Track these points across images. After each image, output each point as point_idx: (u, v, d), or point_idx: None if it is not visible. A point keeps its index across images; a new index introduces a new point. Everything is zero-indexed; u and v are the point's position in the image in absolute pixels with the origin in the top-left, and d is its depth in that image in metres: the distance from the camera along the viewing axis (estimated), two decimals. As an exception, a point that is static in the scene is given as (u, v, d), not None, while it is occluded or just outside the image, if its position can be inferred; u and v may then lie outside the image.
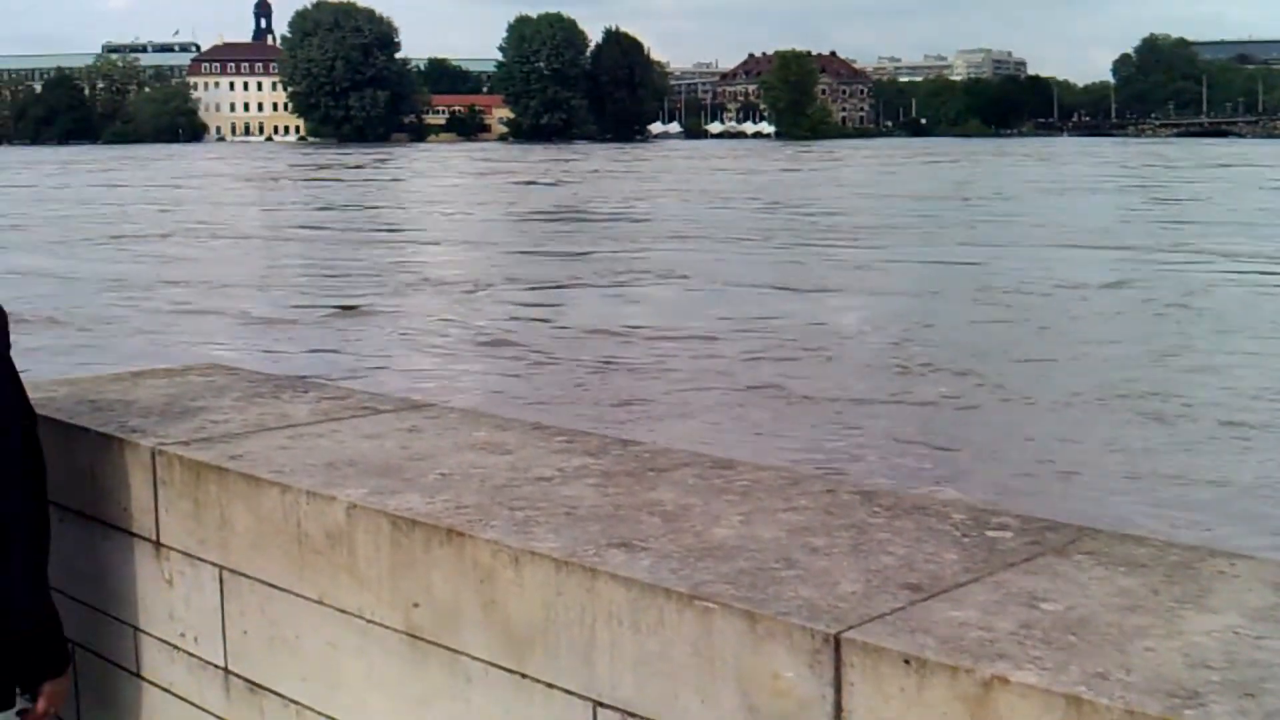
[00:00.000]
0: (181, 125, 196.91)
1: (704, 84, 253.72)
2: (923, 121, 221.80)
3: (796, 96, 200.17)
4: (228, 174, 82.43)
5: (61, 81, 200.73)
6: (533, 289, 24.52)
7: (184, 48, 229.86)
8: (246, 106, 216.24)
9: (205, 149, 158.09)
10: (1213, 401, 14.03)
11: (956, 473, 11.29)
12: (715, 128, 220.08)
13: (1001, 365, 16.16)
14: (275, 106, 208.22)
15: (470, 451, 2.76)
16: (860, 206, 48.04)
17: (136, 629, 2.94)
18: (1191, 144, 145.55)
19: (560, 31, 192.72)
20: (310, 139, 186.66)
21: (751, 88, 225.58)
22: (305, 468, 2.63)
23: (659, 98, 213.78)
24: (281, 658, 2.58)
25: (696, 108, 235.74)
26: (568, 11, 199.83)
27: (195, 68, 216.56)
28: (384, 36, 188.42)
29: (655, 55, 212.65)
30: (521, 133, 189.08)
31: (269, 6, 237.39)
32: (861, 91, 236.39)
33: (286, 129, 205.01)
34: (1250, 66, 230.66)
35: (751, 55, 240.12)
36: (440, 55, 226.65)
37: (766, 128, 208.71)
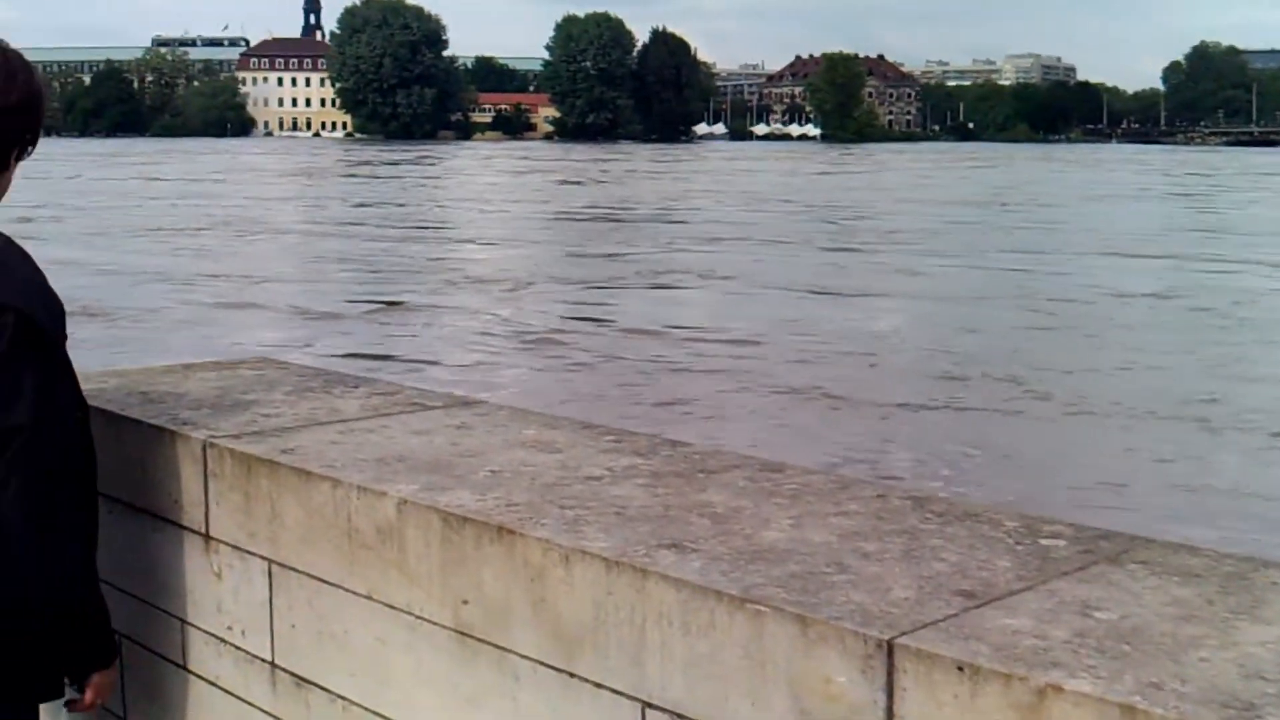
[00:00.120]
0: (229, 120, 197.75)
1: (750, 85, 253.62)
2: (970, 126, 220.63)
3: (843, 99, 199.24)
4: (273, 169, 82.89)
5: (111, 74, 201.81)
6: (574, 287, 24.57)
7: (233, 42, 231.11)
8: (294, 102, 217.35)
9: (253, 144, 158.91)
10: (1263, 409, 13.91)
11: (1003, 481, 11.22)
12: (760, 129, 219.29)
13: (1047, 373, 16.04)
14: (323, 102, 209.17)
15: (520, 449, 2.76)
16: (899, 210, 47.87)
17: (184, 622, 2.95)
18: (1239, 153, 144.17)
19: (607, 31, 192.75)
20: (357, 135, 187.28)
21: (798, 89, 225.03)
22: (356, 463, 2.64)
23: (705, 98, 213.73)
24: (329, 653, 2.59)
25: (742, 109, 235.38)
26: (615, 11, 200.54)
27: (244, 62, 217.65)
28: (432, 34, 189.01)
29: (702, 56, 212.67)
30: (567, 131, 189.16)
31: (319, 3, 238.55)
32: (909, 95, 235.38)
33: (334, 125, 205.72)
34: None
35: (798, 57, 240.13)
36: (487, 53, 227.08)
37: (812, 130, 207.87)
